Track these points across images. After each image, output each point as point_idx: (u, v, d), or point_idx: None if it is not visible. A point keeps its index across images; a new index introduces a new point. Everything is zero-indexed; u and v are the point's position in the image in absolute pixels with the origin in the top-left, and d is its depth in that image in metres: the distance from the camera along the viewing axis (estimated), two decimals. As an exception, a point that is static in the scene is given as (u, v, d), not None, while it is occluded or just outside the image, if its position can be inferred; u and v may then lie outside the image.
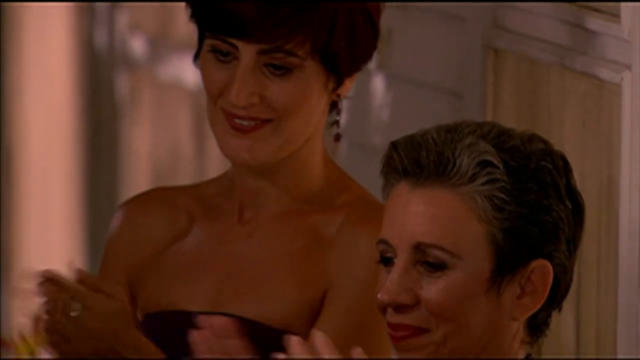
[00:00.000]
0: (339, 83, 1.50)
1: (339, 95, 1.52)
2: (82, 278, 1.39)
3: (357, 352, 1.06)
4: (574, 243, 1.10)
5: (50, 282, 1.35)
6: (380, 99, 5.67)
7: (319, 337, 1.06)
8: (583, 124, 3.76)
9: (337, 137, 1.57)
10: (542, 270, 1.07)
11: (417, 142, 1.08)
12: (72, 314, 1.33)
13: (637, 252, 3.31)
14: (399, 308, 1.07)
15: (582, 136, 3.67)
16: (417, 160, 1.07)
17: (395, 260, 1.09)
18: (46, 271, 1.36)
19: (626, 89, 2.84)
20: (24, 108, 3.64)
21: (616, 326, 3.50)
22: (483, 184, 1.06)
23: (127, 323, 1.41)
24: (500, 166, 1.06)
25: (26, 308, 1.32)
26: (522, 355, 1.11)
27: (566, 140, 3.98)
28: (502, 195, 1.05)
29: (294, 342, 1.05)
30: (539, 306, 1.09)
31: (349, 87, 1.53)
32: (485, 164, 1.06)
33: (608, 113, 3.38)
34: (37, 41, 3.98)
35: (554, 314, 1.14)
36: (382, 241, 1.11)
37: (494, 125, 1.12)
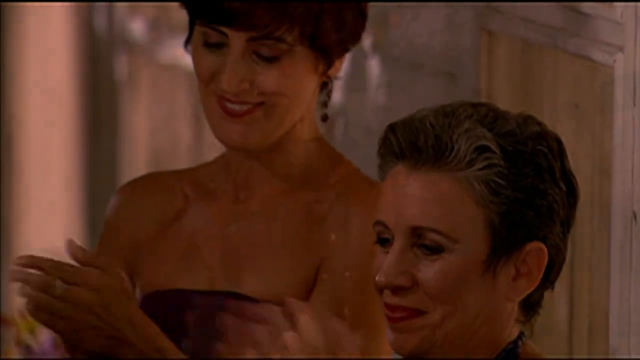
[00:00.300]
0: (329, 65, 1.51)
1: (329, 77, 1.53)
2: (74, 252, 1.38)
3: (290, 301, 1.07)
4: (567, 224, 1.10)
5: (28, 266, 1.35)
6: (376, 81, 5.66)
7: (292, 303, 1.07)
8: (576, 105, 3.77)
9: (325, 118, 1.57)
10: (537, 252, 1.07)
11: (415, 126, 1.08)
12: (57, 292, 1.32)
13: (629, 232, 3.31)
14: (396, 290, 1.07)
15: (576, 118, 3.66)
16: (415, 144, 1.07)
17: (392, 241, 1.09)
18: (21, 257, 1.36)
19: (619, 70, 2.83)
20: (24, 90, 3.63)
21: (609, 305, 3.51)
22: (480, 169, 1.05)
23: (120, 296, 1.41)
24: (497, 151, 1.05)
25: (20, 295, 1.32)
26: (515, 334, 1.11)
27: (559, 121, 3.98)
28: (499, 180, 1.05)
29: (269, 309, 1.07)
30: (533, 287, 1.09)
31: (339, 68, 1.54)
32: (482, 149, 1.05)
33: (601, 95, 3.37)
34: (37, 24, 3.97)
35: (547, 292, 1.14)
36: (379, 222, 1.10)
37: (490, 108, 1.11)
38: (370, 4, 1.54)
